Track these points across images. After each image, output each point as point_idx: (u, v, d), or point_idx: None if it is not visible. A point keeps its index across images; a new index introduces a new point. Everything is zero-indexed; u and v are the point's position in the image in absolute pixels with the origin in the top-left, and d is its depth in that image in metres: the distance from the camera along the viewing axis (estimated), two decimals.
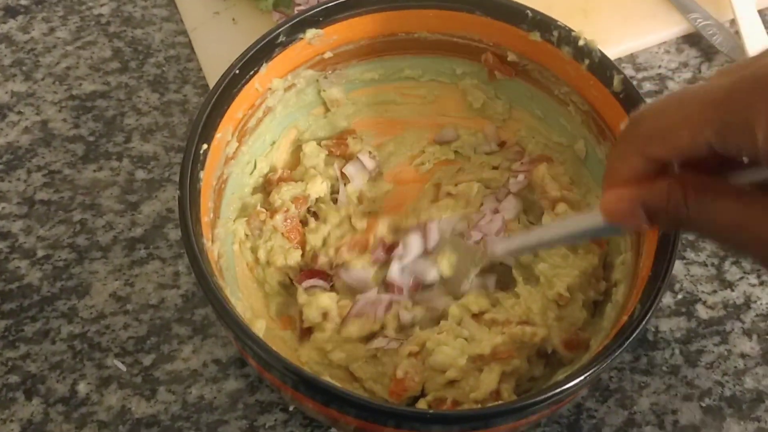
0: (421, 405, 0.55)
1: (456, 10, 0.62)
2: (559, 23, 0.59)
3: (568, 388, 0.46)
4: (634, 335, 0.47)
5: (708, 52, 0.81)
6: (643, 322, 0.48)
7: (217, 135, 0.56)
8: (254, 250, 0.61)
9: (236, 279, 0.59)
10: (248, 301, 0.59)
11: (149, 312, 0.64)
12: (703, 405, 0.61)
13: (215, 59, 0.77)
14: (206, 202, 0.55)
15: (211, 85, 0.74)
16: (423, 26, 0.63)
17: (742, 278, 0.67)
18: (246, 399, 0.60)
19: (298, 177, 0.65)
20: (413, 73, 0.67)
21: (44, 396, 0.60)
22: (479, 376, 0.55)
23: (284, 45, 0.60)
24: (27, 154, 0.72)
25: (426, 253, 0.62)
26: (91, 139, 0.73)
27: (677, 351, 0.64)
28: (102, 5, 0.83)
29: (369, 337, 0.59)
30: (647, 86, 0.79)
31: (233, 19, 0.79)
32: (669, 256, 0.50)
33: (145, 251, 0.67)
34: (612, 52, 0.80)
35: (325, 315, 0.59)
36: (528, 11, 0.60)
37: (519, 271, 0.61)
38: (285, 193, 0.62)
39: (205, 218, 0.54)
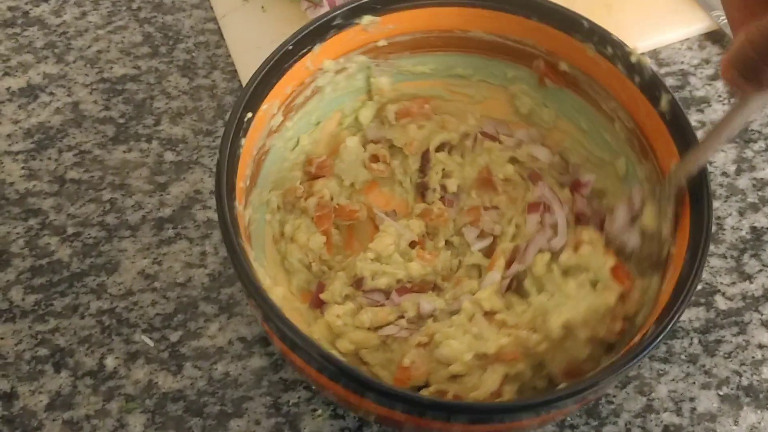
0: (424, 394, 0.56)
1: (512, 13, 0.62)
2: (613, 37, 0.59)
3: (560, 399, 0.47)
4: (644, 353, 0.48)
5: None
6: (655, 342, 0.48)
7: (263, 106, 0.58)
8: (282, 224, 0.63)
9: (263, 247, 0.61)
10: (272, 271, 0.60)
11: (176, 290, 0.65)
12: (721, 393, 0.62)
13: (244, 46, 0.78)
14: (244, 169, 0.56)
15: (240, 71, 0.76)
16: (478, 25, 0.63)
17: (761, 271, 0.68)
18: (270, 377, 0.61)
19: (338, 170, 0.66)
20: (464, 71, 0.67)
21: (72, 369, 0.61)
22: (482, 375, 0.55)
23: (340, 28, 0.61)
24: (58, 134, 0.73)
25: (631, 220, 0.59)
26: (122, 121, 0.74)
27: (696, 340, 0.65)
28: None
29: (380, 326, 0.60)
30: (669, 82, 0.80)
31: (262, 7, 0.80)
32: (691, 281, 0.50)
33: (173, 231, 0.68)
34: (634, 47, 0.80)
35: (346, 296, 0.60)
36: (584, 21, 0.60)
37: (532, 281, 0.60)
38: (326, 184, 0.64)
39: (241, 183, 0.55)
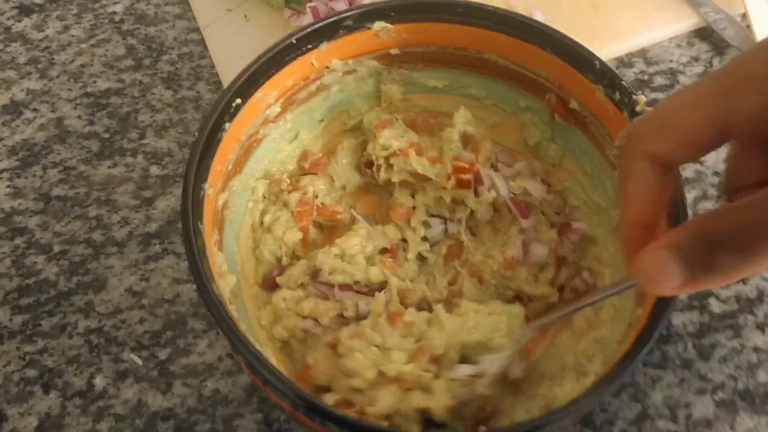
0: (328, 400, 0.54)
1: (526, 41, 0.61)
2: (623, 83, 0.57)
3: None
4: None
5: (719, 46, 0.81)
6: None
7: (257, 94, 0.58)
8: (262, 213, 0.63)
9: (239, 233, 0.61)
10: (240, 258, 0.60)
11: (164, 306, 0.65)
12: (717, 399, 0.62)
13: (228, 56, 0.77)
14: (225, 153, 0.57)
15: (224, 81, 0.76)
16: (494, 49, 0.63)
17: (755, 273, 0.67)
18: (261, 393, 0.61)
19: (331, 170, 0.65)
20: (478, 93, 0.66)
21: (61, 390, 0.61)
22: (380, 392, 0.54)
23: (350, 30, 0.61)
24: (43, 150, 0.73)
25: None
26: (106, 135, 0.74)
27: (690, 345, 0.64)
28: (115, 3, 0.83)
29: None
30: (659, 80, 0.79)
31: (245, 16, 0.80)
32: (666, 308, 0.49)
33: (159, 246, 0.68)
34: (623, 46, 0.80)
35: (301, 285, 0.61)
36: (596, 61, 0.59)
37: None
38: (313, 182, 0.64)
39: (219, 167, 0.56)
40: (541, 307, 0.62)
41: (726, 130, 0.38)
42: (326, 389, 0.57)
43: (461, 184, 0.63)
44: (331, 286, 0.61)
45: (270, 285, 0.61)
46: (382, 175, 0.65)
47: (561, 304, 0.60)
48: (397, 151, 0.64)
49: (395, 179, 0.64)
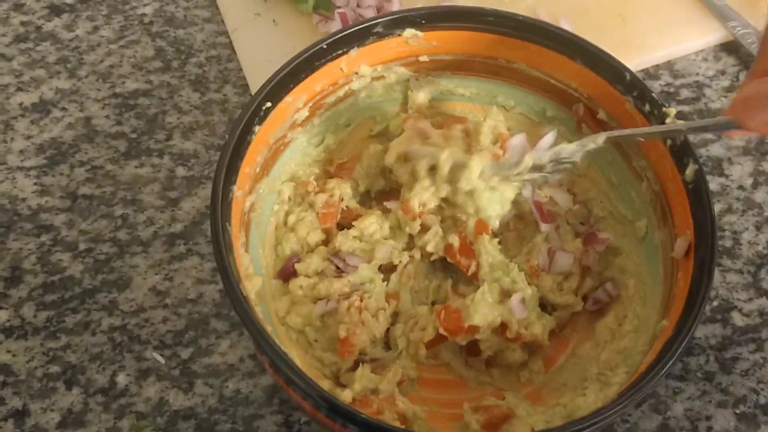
0: (346, 396, 0.55)
1: (558, 52, 0.61)
2: (653, 95, 0.58)
3: None
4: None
5: (746, 60, 0.81)
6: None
7: (287, 98, 0.59)
8: (287, 214, 0.63)
9: (264, 235, 0.61)
10: (265, 260, 0.61)
11: (188, 306, 0.65)
12: (738, 412, 0.61)
13: (255, 60, 0.78)
14: (254, 155, 0.57)
15: (252, 85, 0.76)
16: (524, 58, 0.63)
17: None
18: (282, 394, 0.61)
19: (356, 174, 0.66)
20: (505, 101, 0.67)
21: (84, 386, 0.61)
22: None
23: (380, 36, 0.62)
24: (70, 149, 0.73)
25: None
26: (133, 136, 0.75)
27: (712, 357, 0.64)
28: (145, 5, 0.84)
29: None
30: (684, 93, 0.79)
31: (273, 21, 0.80)
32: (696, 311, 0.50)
33: (184, 247, 0.68)
34: (649, 58, 0.80)
35: (319, 273, 0.61)
36: (627, 73, 0.59)
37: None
38: (339, 185, 0.64)
39: (247, 169, 0.56)
40: (565, 315, 0.61)
41: None
42: (344, 385, 0.57)
43: None
44: (345, 260, 0.62)
45: (287, 274, 0.61)
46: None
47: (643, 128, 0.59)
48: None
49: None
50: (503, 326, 0.58)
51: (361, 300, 0.59)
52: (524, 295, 0.59)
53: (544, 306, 0.61)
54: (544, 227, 0.63)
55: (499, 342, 0.59)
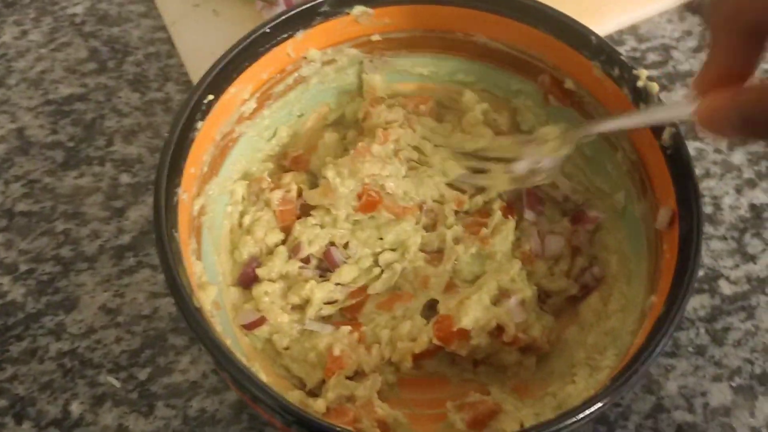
0: (319, 406, 0.51)
1: (519, 21, 0.57)
2: (622, 57, 0.54)
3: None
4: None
5: None
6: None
7: (231, 89, 0.54)
8: (242, 214, 0.59)
9: (218, 239, 0.57)
10: (221, 266, 0.57)
11: (142, 323, 0.60)
12: (733, 385, 0.58)
13: (197, 53, 0.73)
14: (199, 154, 0.53)
15: (194, 80, 0.72)
16: (483, 30, 0.59)
17: (764, 250, 0.64)
18: (250, 409, 0.57)
19: (313, 166, 0.62)
20: (466, 78, 0.63)
21: (35, 419, 0.56)
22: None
23: (327, 16, 0.57)
24: (4, 164, 0.68)
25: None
26: (71, 144, 0.69)
27: (702, 330, 0.61)
28: (76, 4, 0.79)
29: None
30: (651, 57, 0.76)
31: (214, 11, 0.76)
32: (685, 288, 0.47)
33: (134, 259, 0.63)
34: (612, 24, 0.77)
35: (283, 276, 0.57)
36: (592, 37, 0.55)
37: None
38: (296, 179, 0.60)
39: (192, 169, 0.52)
40: (560, 302, 0.58)
41: None
42: (315, 394, 0.54)
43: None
44: (316, 259, 0.58)
45: (248, 280, 0.57)
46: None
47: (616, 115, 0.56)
48: (405, 121, 0.61)
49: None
50: (499, 329, 0.54)
51: (361, 329, 0.56)
52: (524, 297, 0.55)
53: (539, 296, 0.58)
54: (529, 215, 0.60)
55: (493, 345, 0.55)
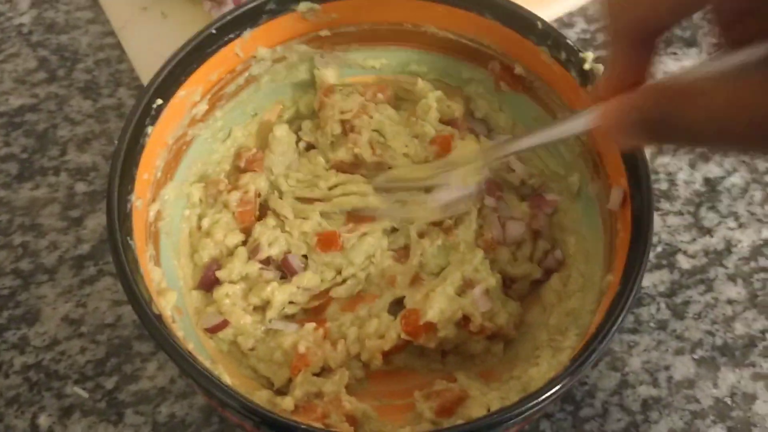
0: (287, 404, 0.51)
1: (465, 9, 0.57)
2: (568, 41, 0.54)
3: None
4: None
5: None
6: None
7: (180, 93, 0.54)
8: (200, 217, 0.59)
9: (177, 244, 0.57)
10: (182, 270, 0.56)
11: (106, 332, 0.60)
12: (696, 357, 0.59)
13: (148, 57, 0.72)
14: (151, 159, 0.52)
15: (146, 84, 0.70)
16: (431, 20, 0.59)
17: (720, 223, 0.65)
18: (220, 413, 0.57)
19: (268, 162, 0.61)
20: (419, 69, 0.63)
21: None
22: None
23: (273, 14, 0.57)
24: None
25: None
26: (24, 156, 0.69)
27: (663, 305, 0.62)
28: (22, 14, 0.78)
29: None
30: (601, 38, 0.76)
31: (162, 13, 0.75)
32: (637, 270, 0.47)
33: (94, 268, 0.63)
34: (561, 6, 0.77)
35: (243, 278, 0.57)
36: (538, 22, 0.55)
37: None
38: (254, 180, 0.60)
39: (145, 175, 0.52)
40: (525, 287, 0.58)
41: None
42: (284, 392, 0.53)
43: (439, 158, 0.60)
44: (276, 262, 0.58)
45: (209, 283, 0.57)
46: (340, 152, 0.61)
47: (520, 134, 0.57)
48: (361, 109, 0.61)
49: (358, 149, 0.60)
50: (465, 319, 0.54)
51: (326, 325, 0.56)
52: (488, 285, 0.56)
53: (504, 282, 0.58)
54: (488, 200, 0.60)
55: (460, 335, 0.55)
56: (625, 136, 0.40)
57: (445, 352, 0.57)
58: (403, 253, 0.60)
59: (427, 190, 0.58)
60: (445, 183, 0.56)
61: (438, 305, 0.54)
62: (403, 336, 0.55)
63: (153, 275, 0.51)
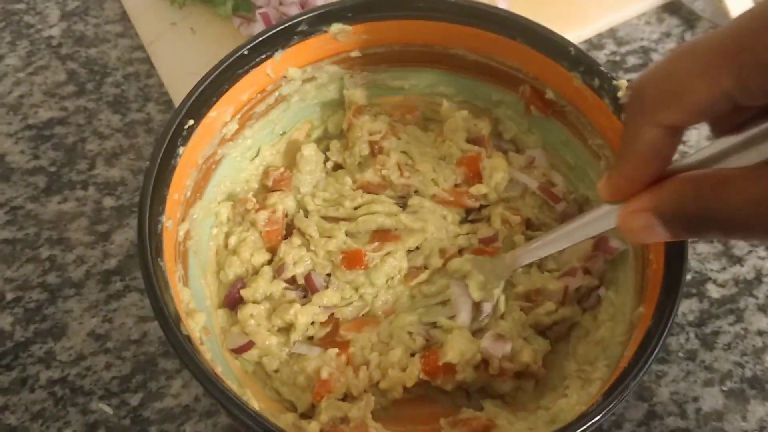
0: (313, 429, 0.50)
1: (496, 33, 0.57)
2: (601, 68, 0.54)
3: None
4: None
5: (689, 19, 0.78)
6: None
7: (211, 113, 0.54)
8: (227, 235, 0.59)
9: (205, 262, 0.57)
10: (209, 290, 0.56)
11: (132, 348, 0.60)
12: (725, 389, 0.58)
13: (177, 72, 0.72)
14: (182, 179, 0.52)
15: (175, 99, 0.71)
16: (461, 43, 0.59)
17: (750, 252, 0.65)
18: None
19: (296, 181, 0.61)
20: (447, 90, 0.62)
21: None
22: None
23: (305, 35, 0.57)
24: None
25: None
26: (53, 169, 0.69)
27: (692, 335, 0.61)
28: (51, 26, 0.78)
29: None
30: (631, 60, 0.76)
31: (191, 29, 0.75)
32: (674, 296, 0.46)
33: (121, 283, 0.63)
34: (591, 28, 0.77)
35: (268, 297, 0.57)
36: (571, 48, 0.55)
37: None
38: (282, 200, 0.59)
39: (176, 195, 0.51)
40: (563, 329, 0.57)
41: (740, 101, 0.35)
42: (309, 416, 0.53)
43: (469, 179, 0.60)
44: (300, 286, 0.57)
45: (233, 301, 0.57)
46: (368, 173, 0.60)
47: (541, 237, 0.55)
48: (389, 130, 0.61)
49: (386, 171, 0.60)
50: (485, 362, 0.54)
51: (348, 351, 0.55)
52: (500, 331, 0.55)
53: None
54: (559, 206, 0.60)
55: (481, 377, 0.54)
56: (658, 235, 0.39)
57: (469, 394, 0.56)
58: (416, 273, 0.60)
59: (444, 302, 0.58)
60: (463, 296, 0.57)
61: (458, 346, 0.53)
62: (422, 376, 0.54)
63: (182, 296, 0.50)
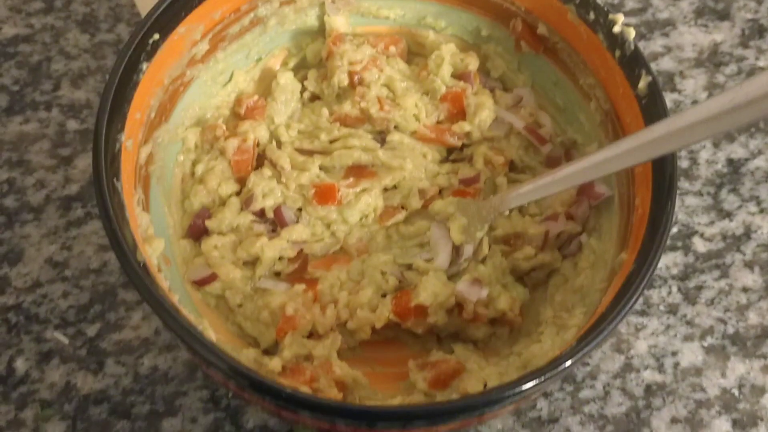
0: (275, 365, 0.49)
1: None
2: (597, 1, 0.51)
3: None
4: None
5: None
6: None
7: (179, 29, 0.51)
8: (194, 163, 0.56)
9: (168, 190, 0.54)
10: (172, 218, 0.54)
11: (91, 277, 0.57)
12: (705, 345, 0.57)
13: None
14: (145, 98, 0.50)
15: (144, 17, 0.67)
16: None
17: (740, 207, 0.62)
18: None
19: (270, 111, 0.58)
20: (435, 23, 0.60)
21: None
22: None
23: None
24: None
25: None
26: (15, 88, 0.66)
27: (675, 288, 0.59)
28: None
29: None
30: (630, 4, 0.73)
31: None
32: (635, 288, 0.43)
33: (82, 210, 0.60)
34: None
35: (234, 229, 0.55)
36: None
37: None
38: (254, 128, 0.57)
39: (137, 114, 0.49)
40: (542, 275, 0.55)
41: None
42: (270, 353, 0.51)
43: (452, 117, 0.58)
44: (278, 216, 0.55)
45: (197, 231, 0.54)
46: (345, 105, 0.57)
47: (535, 178, 0.53)
48: (371, 61, 0.58)
49: (365, 104, 0.57)
50: (459, 306, 0.52)
51: (316, 288, 0.53)
52: (477, 276, 0.53)
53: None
54: (545, 148, 0.57)
55: (454, 322, 0.52)
56: None
57: (440, 338, 0.54)
58: (392, 212, 0.57)
59: (422, 245, 0.56)
60: (443, 239, 0.54)
61: (432, 288, 0.51)
62: (392, 317, 0.52)
63: (140, 221, 0.48)
